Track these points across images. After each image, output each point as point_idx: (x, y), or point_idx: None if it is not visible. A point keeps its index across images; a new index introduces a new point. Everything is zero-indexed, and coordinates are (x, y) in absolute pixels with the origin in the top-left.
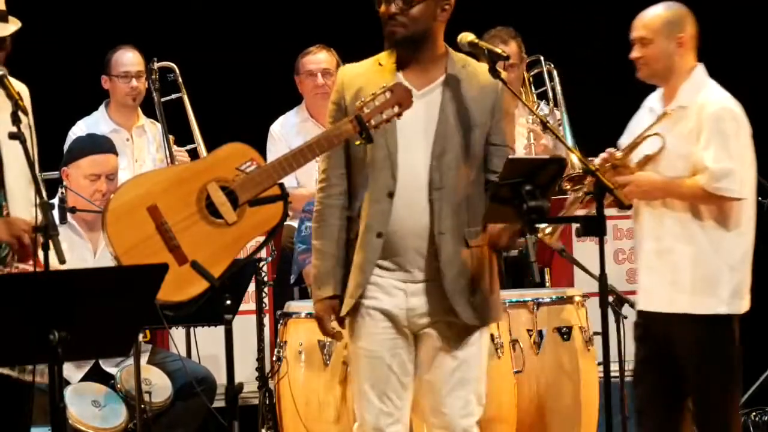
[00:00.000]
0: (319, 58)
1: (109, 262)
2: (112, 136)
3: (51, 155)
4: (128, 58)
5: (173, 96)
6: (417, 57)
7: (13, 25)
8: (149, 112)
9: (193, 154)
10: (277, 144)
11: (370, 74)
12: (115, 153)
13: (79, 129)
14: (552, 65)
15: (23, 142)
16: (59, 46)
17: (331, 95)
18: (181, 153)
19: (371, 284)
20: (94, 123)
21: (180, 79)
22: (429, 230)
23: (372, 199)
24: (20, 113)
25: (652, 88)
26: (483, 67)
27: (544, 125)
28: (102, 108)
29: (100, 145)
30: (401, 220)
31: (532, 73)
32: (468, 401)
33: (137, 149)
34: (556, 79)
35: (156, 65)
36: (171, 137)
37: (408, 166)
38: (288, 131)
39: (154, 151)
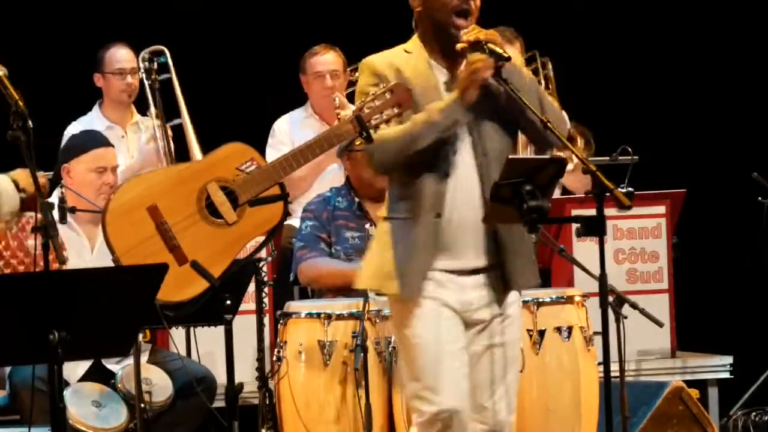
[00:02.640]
0: (327, 59)
1: (107, 257)
2: (107, 133)
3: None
4: (122, 55)
5: (164, 76)
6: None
7: None
8: (141, 109)
9: (178, 131)
10: (280, 137)
11: (412, 61)
12: (112, 146)
13: (75, 129)
14: (548, 59)
15: (23, 142)
16: (52, 46)
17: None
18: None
19: (431, 271)
20: (89, 122)
21: (170, 61)
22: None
23: (428, 180)
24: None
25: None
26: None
27: (544, 125)
28: (96, 108)
29: (98, 139)
30: (461, 201)
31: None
32: (511, 398)
33: (132, 146)
34: (549, 66)
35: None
36: (168, 132)
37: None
38: (293, 127)
39: (144, 141)
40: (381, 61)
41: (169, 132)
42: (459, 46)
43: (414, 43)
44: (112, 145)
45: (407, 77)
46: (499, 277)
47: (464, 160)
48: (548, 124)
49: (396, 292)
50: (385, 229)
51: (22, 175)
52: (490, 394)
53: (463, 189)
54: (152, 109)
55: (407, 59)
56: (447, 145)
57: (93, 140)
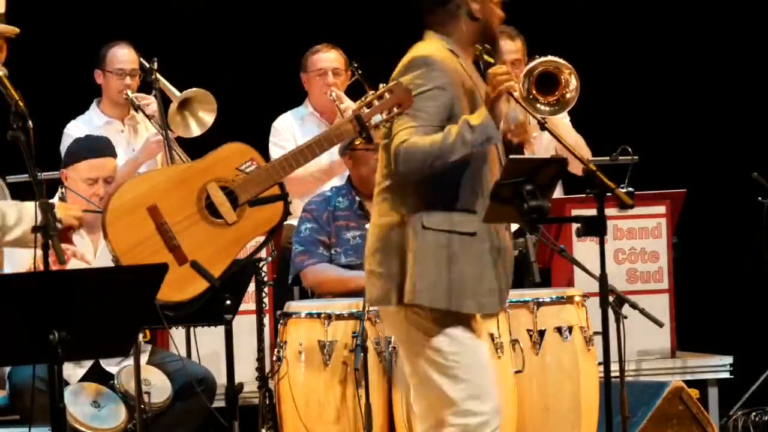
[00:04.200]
0: (330, 56)
1: (108, 262)
2: (106, 128)
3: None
4: (123, 55)
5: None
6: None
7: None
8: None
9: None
10: (284, 134)
11: (466, 64)
12: (114, 155)
13: (75, 127)
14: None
15: (23, 142)
16: (53, 45)
17: (431, 81)
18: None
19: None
20: (88, 119)
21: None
22: None
23: (488, 192)
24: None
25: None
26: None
27: (542, 125)
28: (93, 105)
29: (98, 148)
30: None
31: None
32: None
33: (132, 138)
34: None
35: (156, 64)
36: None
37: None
38: (295, 123)
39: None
40: (446, 59)
41: (171, 135)
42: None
43: (450, 45)
44: (114, 155)
45: (467, 80)
46: None
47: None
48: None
49: (473, 311)
50: (441, 243)
51: (61, 206)
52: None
53: None
54: (155, 113)
55: (460, 61)
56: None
57: (92, 149)
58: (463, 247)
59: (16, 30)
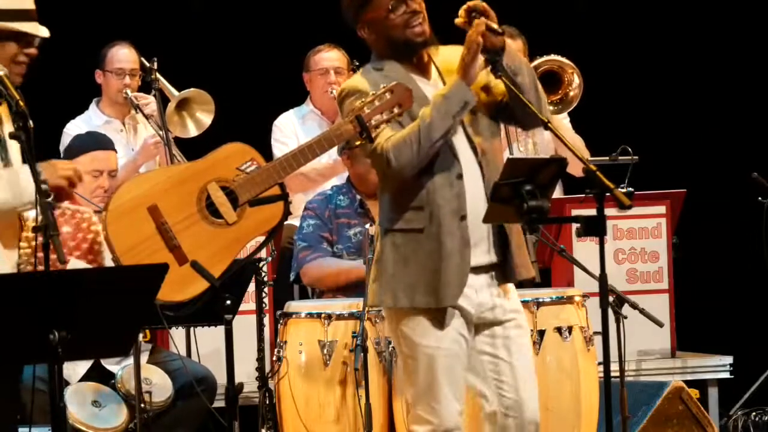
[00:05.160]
0: (331, 56)
1: (108, 261)
2: (106, 127)
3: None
4: (124, 55)
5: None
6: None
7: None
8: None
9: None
10: (286, 132)
11: (391, 74)
12: (115, 150)
13: (74, 126)
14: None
15: (24, 142)
16: (53, 44)
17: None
18: (145, 98)
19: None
20: (88, 119)
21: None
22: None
23: (441, 184)
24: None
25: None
26: (452, 56)
27: (546, 125)
28: (93, 105)
29: (100, 142)
30: (475, 201)
31: None
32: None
33: (131, 138)
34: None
35: (155, 64)
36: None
37: (459, 141)
38: (297, 122)
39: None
40: (362, 81)
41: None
42: (457, 21)
43: (379, 62)
44: (115, 149)
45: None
46: (501, 272)
47: (467, 160)
48: (549, 124)
49: (434, 305)
50: (396, 242)
51: (46, 167)
52: (515, 388)
53: (473, 188)
54: (154, 112)
55: (385, 74)
56: (451, 148)
57: (94, 142)
58: (421, 241)
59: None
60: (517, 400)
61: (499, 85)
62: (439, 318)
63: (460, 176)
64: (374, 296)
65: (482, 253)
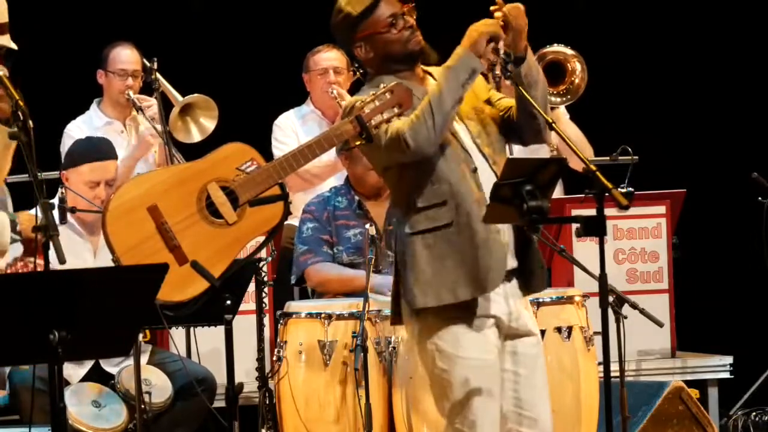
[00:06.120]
0: (331, 56)
1: (108, 263)
2: (107, 128)
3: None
4: (126, 56)
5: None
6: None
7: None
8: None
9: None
10: (286, 131)
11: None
12: (115, 157)
13: (75, 127)
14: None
15: (24, 142)
16: (53, 44)
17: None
18: (147, 100)
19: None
20: (88, 119)
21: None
22: None
23: (461, 176)
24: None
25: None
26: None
27: (550, 125)
28: (94, 105)
29: (99, 150)
30: (487, 194)
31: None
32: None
33: (132, 140)
34: None
35: (156, 64)
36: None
37: (466, 139)
38: (297, 121)
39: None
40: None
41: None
42: (493, 8)
43: (377, 80)
44: (115, 156)
45: None
46: (523, 281)
47: (480, 161)
48: (553, 124)
49: (479, 293)
50: (428, 242)
51: (23, 217)
52: (532, 405)
53: (487, 182)
54: (155, 114)
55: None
56: (464, 147)
57: (94, 151)
58: (451, 239)
59: (14, 46)
60: (535, 419)
61: (501, 102)
62: (475, 329)
63: (475, 170)
64: (415, 300)
65: (509, 257)
